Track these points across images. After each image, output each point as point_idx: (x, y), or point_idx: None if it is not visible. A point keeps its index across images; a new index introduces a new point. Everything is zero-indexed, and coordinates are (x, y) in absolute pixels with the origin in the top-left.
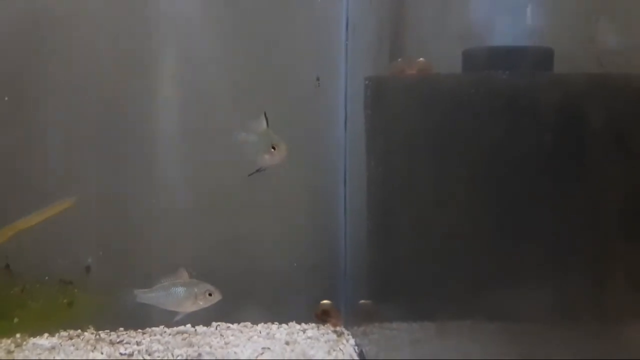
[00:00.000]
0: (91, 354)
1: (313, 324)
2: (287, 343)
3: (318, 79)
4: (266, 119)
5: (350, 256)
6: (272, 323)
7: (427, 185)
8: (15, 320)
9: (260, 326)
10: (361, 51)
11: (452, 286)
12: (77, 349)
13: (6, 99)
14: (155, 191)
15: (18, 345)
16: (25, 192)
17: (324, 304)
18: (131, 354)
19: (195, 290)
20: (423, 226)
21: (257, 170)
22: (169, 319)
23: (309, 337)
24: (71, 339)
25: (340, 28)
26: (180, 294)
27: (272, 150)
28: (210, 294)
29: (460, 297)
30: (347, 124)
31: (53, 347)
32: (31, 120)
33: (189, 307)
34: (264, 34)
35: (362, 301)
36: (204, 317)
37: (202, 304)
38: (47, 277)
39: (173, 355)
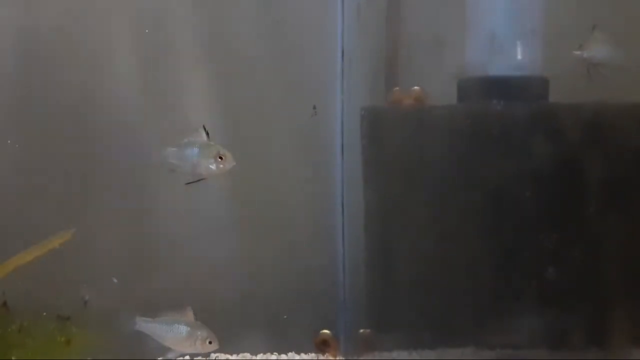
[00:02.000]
0: None
1: (312, 354)
2: None
3: (315, 108)
4: (206, 131)
5: (349, 285)
6: (272, 353)
7: (424, 215)
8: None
9: (259, 357)
10: (357, 81)
11: (452, 314)
12: None
13: (9, 141)
14: (152, 221)
15: None
16: (22, 224)
17: (323, 333)
18: None
19: (199, 333)
20: (421, 255)
21: (194, 182)
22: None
23: None
24: None
25: (335, 58)
26: (183, 333)
27: (220, 159)
28: (210, 342)
29: (460, 324)
30: (344, 154)
31: None
32: (28, 150)
33: (186, 349)
34: (260, 64)
35: (361, 330)
36: None
37: (200, 349)
38: (44, 313)
39: None
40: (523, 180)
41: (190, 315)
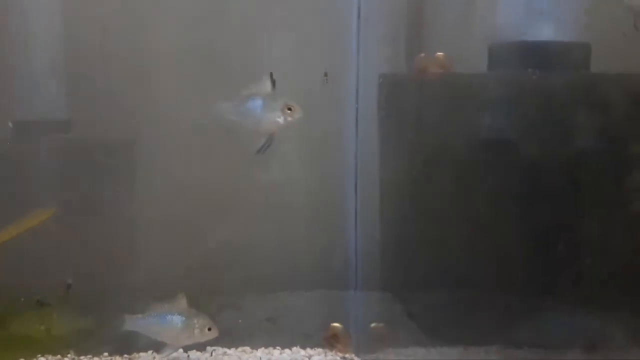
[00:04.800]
0: None
1: (319, 349)
2: None
3: (326, 75)
4: (272, 79)
5: (362, 273)
6: (274, 348)
7: (448, 196)
8: None
9: (260, 351)
10: (374, 45)
11: (475, 309)
12: None
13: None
14: (145, 198)
15: None
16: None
17: (334, 326)
18: None
19: (195, 322)
20: (443, 242)
21: (265, 146)
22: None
23: None
24: None
25: (350, 19)
26: (178, 324)
27: (288, 111)
28: (209, 329)
29: (484, 320)
30: (358, 126)
31: None
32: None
33: (184, 341)
34: (268, 26)
35: (373, 324)
36: None
37: (199, 338)
38: (22, 299)
39: None
40: (558, 156)
41: (183, 303)
